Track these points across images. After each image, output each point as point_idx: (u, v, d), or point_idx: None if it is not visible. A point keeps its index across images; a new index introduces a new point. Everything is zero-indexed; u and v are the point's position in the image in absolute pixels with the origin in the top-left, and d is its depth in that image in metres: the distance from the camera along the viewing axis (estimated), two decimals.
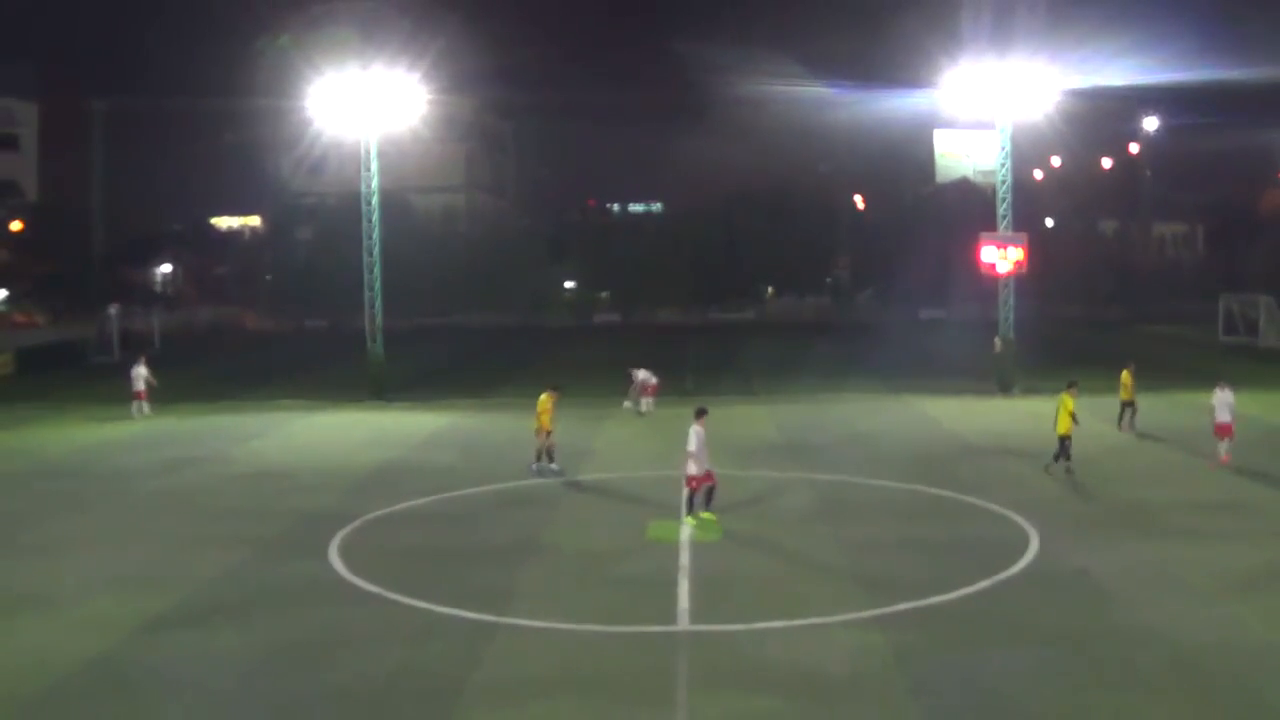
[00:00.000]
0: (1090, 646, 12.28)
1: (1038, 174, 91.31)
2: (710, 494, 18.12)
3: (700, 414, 18.42)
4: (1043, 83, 34.07)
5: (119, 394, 34.54)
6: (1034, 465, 22.97)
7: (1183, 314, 65.85)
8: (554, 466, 22.62)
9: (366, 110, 35.52)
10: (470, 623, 13.51)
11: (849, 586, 14.71)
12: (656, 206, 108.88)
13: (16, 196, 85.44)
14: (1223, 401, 22.67)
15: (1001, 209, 35.15)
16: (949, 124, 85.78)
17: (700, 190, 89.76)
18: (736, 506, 19.41)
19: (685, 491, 18.42)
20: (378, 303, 36.72)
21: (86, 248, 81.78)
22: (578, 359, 49.29)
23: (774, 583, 14.99)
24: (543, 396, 22.94)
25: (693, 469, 17.94)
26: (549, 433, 22.72)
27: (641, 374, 32.31)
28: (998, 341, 35.51)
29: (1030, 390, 34.42)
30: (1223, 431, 22.53)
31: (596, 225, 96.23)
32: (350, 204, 47.92)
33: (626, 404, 32.34)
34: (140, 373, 32.67)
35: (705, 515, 18.03)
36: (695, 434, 17.97)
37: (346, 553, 16.81)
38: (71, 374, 45.98)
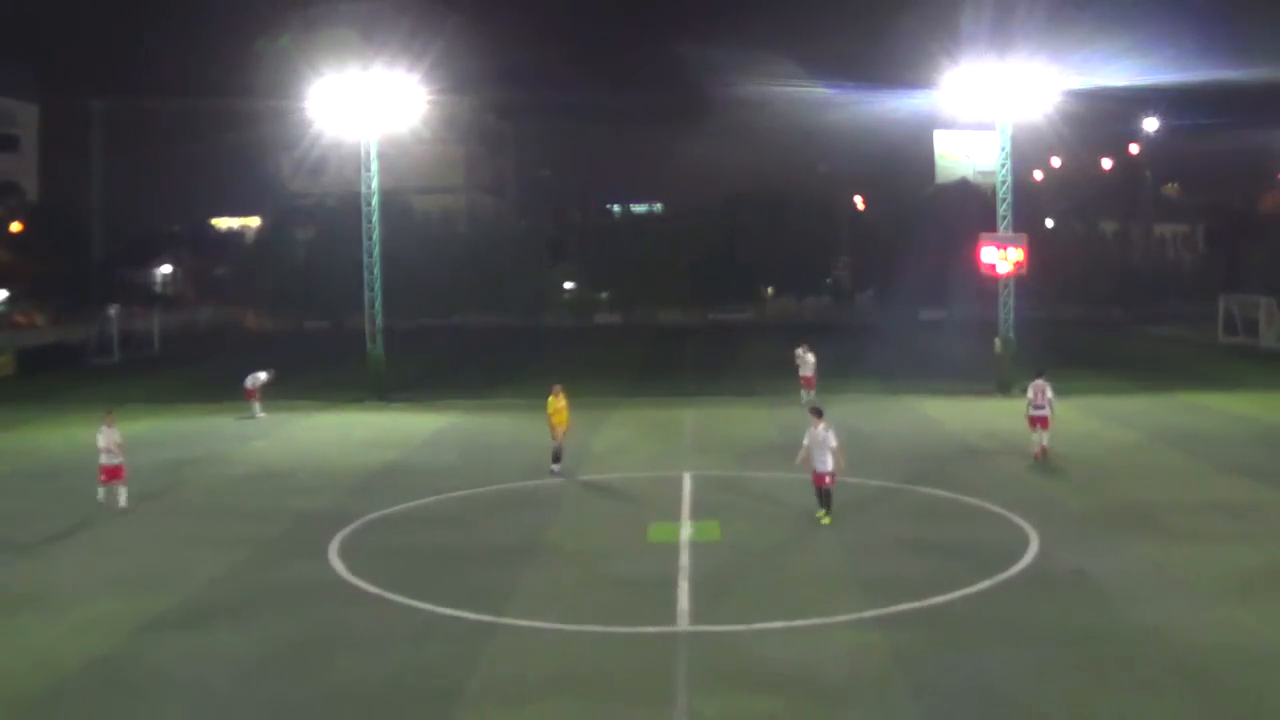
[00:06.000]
0: (1090, 647, 12.27)
1: (1038, 174, 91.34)
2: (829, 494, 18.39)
3: (821, 413, 18.79)
4: (1043, 83, 34.05)
5: (119, 395, 34.64)
6: (1033, 466, 22.97)
7: (1183, 315, 65.83)
8: (554, 468, 22.58)
9: (366, 111, 35.51)
10: (470, 623, 13.51)
11: (849, 587, 14.70)
12: (657, 207, 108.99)
13: (16, 197, 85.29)
14: (1033, 393, 23.05)
15: (1001, 209, 35.15)
16: (949, 124, 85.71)
17: (700, 190, 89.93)
18: (737, 506, 19.42)
19: (823, 490, 18.31)
20: (378, 303, 36.72)
21: (86, 248, 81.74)
22: (578, 359, 49.22)
23: (774, 583, 14.98)
24: (550, 399, 22.85)
25: (830, 464, 18.08)
26: (563, 433, 22.68)
27: (807, 357, 32.94)
28: (998, 342, 35.51)
29: None
30: (1034, 423, 23.03)
31: (596, 225, 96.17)
32: (350, 204, 47.96)
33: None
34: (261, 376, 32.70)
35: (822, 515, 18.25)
36: (833, 431, 18.24)
37: (346, 553, 16.81)
38: (71, 375, 45.98)
